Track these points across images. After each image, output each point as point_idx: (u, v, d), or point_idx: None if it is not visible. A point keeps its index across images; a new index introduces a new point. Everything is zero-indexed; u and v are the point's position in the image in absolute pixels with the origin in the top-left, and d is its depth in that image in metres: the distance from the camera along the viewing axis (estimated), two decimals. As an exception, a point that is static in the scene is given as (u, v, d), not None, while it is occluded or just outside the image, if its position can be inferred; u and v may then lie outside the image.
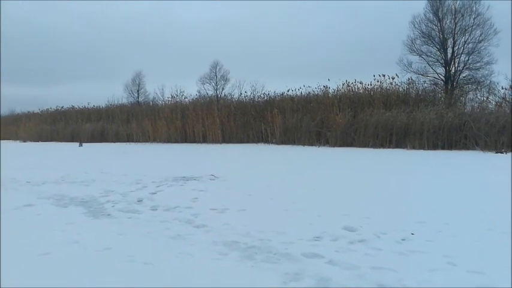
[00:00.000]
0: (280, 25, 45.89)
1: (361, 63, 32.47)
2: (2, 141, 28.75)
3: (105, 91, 52.56)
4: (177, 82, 31.02)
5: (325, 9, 43.32)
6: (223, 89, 24.66)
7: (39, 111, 31.33)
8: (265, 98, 20.80)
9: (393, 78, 17.21)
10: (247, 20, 47.39)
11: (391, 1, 28.61)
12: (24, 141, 27.38)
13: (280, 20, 46.11)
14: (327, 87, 18.63)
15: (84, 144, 21.09)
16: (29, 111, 32.27)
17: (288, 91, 20.08)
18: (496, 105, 14.92)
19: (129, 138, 23.32)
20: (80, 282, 2.57)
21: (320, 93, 18.70)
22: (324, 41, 39.73)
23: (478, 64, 17.26)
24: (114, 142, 23.32)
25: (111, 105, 27.82)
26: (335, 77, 25.54)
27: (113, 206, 4.99)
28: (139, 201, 5.29)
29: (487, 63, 16.95)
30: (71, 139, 25.16)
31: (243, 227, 3.84)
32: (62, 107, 29.70)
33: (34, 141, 26.96)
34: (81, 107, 28.71)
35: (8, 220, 4.31)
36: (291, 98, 19.41)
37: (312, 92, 19.18)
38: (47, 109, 30.75)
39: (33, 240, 3.49)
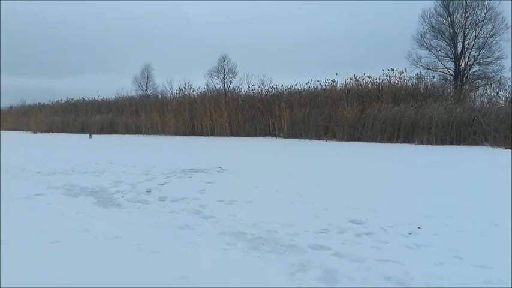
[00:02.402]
0: (288, 20, 45.72)
1: (369, 58, 32.30)
2: (13, 132, 29.13)
3: (114, 84, 52.90)
4: (186, 75, 31.05)
5: (333, 4, 43.07)
6: (231, 82, 24.61)
7: (49, 102, 31.65)
8: (273, 92, 20.75)
9: (402, 73, 17.07)
10: (255, 15, 47.35)
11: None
12: (35, 132, 27.65)
13: (288, 14, 45.95)
14: (334, 81, 18.57)
15: (93, 135, 21.26)
16: (39, 103, 32.60)
17: (295, 85, 20.05)
18: (506, 100, 14.72)
19: (138, 130, 23.48)
20: (89, 270, 2.63)
21: (328, 88, 18.64)
22: (332, 36, 39.54)
23: (489, 59, 16.95)
24: (124, 134, 23.48)
25: (120, 97, 27.98)
26: (343, 72, 25.45)
27: (122, 196, 5.06)
28: (148, 191, 5.35)
29: (498, 58, 16.65)
30: (81, 130, 25.38)
31: (250, 219, 3.87)
32: (72, 99, 29.95)
33: (45, 132, 27.23)
34: (91, 99, 28.95)
35: (19, 209, 4.40)
36: (299, 92, 19.35)
37: (319, 86, 19.14)
38: (58, 101, 31.02)
39: (44, 229, 3.56)
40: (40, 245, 3.12)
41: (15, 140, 19.91)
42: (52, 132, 27.04)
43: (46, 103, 31.85)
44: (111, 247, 3.08)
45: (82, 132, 24.66)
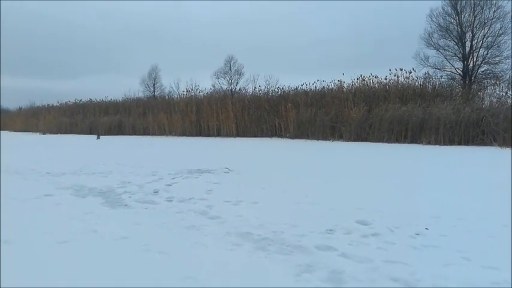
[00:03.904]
0: (293, 20, 45.77)
1: (371, 57, 32.25)
2: (22, 133, 29.44)
3: (118, 84, 53.19)
4: (192, 76, 31.14)
5: (332, 4, 43.15)
6: (237, 83, 24.72)
7: (58, 104, 31.93)
8: (279, 93, 20.75)
9: (410, 73, 16.97)
10: (255, 15, 47.57)
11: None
12: (44, 133, 27.89)
13: (294, 14, 46.02)
14: (341, 81, 18.51)
15: (101, 136, 21.40)
16: (48, 104, 32.91)
17: (302, 85, 20.04)
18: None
19: (145, 131, 23.61)
20: (96, 270, 2.65)
21: (334, 88, 18.58)
22: (333, 36, 39.62)
23: (497, 58, 16.77)
24: (131, 135, 23.63)
25: (127, 98, 28.21)
26: (344, 71, 25.38)
27: (129, 197, 5.09)
28: (155, 192, 5.38)
29: (507, 57, 16.47)
30: (89, 132, 25.56)
31: (256, 219, 3.88)
32: (81, 100, 30.20)
33: (53, 133, 27.46)
34: (99, 100, 29.16)
35: (28, 209, 4.45)
36: (305, 93, 19.32)
37: (326, 87, 19.10)
38: (66, 102, 31.31)
39: (53, 229, 3.60)
40: (48, 245, 3.15)
41: (24, 141, 20.12)
42: (61, 133, 27.27)
43: (54, 104, 32.19)
44: (118, 247, 3.11)
45: (90, 133, 24.84)
